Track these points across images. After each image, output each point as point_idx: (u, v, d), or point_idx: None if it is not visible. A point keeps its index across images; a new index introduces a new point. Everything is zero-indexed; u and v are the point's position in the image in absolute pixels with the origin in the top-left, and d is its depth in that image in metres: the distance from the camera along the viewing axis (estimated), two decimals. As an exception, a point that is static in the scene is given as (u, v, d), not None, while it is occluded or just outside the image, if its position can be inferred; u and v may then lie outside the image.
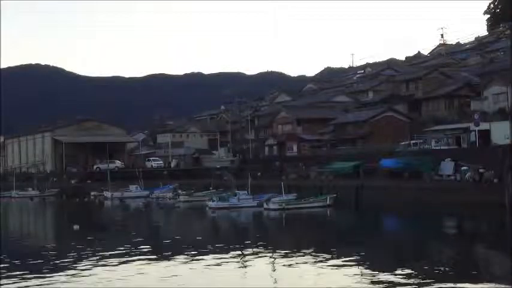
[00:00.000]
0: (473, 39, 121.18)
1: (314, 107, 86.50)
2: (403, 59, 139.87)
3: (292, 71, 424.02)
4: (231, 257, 24.75)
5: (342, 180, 51.36)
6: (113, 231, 39.68)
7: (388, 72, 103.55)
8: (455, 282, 18.32)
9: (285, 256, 24.51)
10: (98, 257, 24.88)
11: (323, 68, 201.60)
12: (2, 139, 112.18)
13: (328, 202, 46.61)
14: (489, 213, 36.22)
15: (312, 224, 40.41)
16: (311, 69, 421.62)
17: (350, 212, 45.91)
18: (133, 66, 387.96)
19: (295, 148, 78.36)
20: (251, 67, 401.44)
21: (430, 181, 45.25)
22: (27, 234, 41.74)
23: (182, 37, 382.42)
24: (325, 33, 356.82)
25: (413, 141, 58.19)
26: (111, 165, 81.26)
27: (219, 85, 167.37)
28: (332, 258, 23.53)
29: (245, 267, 22.63)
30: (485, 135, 50.29)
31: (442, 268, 20.96)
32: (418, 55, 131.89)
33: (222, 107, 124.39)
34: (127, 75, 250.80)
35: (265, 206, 46.62)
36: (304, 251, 25.48)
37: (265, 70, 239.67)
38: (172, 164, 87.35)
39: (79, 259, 24.57)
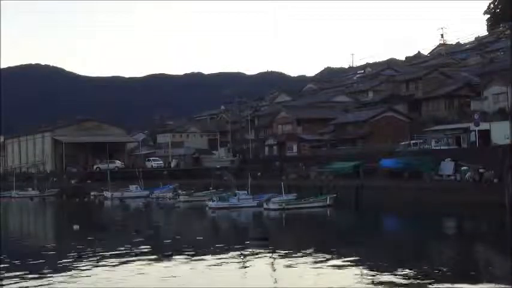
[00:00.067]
0: (473, 39, 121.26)
1: (314, 107, 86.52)
2: (403, 59, 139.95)
3: (292, 71, 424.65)
4: (231, 257, 24.74)
5: (342, 180, 51.36)
6: (113, 231, 39.67)
7: (388, 72, 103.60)
8: (455, 282, 18.33)
9: (285, 256, 24.51)
10: (98, 257, 24.87)
11: (323, 68, 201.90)
12: (2, 139, 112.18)
13: (328, 202, 46.61)
14: (489, 213, 36.23)
15: (312, 224, 40.42)
16: (311, 69, 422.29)
17: (350, 212, 45.91)
18: (133, 66, 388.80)
19: (295, 148, 78.36)
20: (251, 67, 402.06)
21: (430, 181, 45.27)
22: (27, 234, 41.74)
23: (182, 37, 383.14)
24: (325, 33, 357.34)
25: (413, 141, 58.21)
26: (111, 165, 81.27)
27: (219, 85, 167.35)
28: (332, 258, 23.52)
29: (245, 267, 22.62)
30: (485, 135, 50.30)
31: (442, 268, 20.95)
32: (418, 55, 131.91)
33: (222, 107, 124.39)
34: (127, 75, 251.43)
35: (265, 206, 46.62)
36: (304, 251, 25.46)
37: (265, 70, 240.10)
38: (172, 164, 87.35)
39: (79, 259, 24.55)
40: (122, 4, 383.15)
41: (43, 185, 77.74)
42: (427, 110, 70.98)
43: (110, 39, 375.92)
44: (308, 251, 25.36)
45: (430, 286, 17.83)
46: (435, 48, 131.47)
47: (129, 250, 26.86)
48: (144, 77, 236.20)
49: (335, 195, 47.42)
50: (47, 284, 19.54)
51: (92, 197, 70.28)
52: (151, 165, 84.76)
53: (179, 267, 22.72)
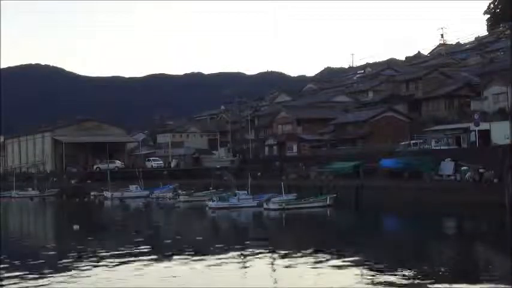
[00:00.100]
0: (473, 39, 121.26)
1: (314, 107, 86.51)
2: (403, 59, 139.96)
3: (292, 71, 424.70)
4: (231, 257, 24.74)
5: (342, 180, 51.35)
6: (112, 231, 39.67)
7: (388, 72, 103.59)
8: (455, 282, 18.34)
9: (285, 256, 24.51)
10: (98, 257, 24.86)
11: (323, 68, 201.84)
12: (2, 139, 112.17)
13: (328, 202, 46.60)
14: (489, 213, 36.23)
15: (312, 224, 40.41)
16: (311, 69, 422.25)
17: (350, 212, 45.92)
18: (133, 66, 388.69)
19: (295, 148, 78.35)
20: (251, 67, 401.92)
21: (430, 181, 45.27)
22: (27, 234, 41.74)
23: (182, 37, 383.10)
24: (325, 33, 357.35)
25: (413, 141, 58.20)
26: (111, 165, 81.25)
27: (219, 85, 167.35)
28: (332, 258, 23.52)
29: (245, 267, 22.63)
30: (485, 135, 50.30)
31: (442, 268, 20.97)
32: (418, 55, 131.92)
33: (222, 107, 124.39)
34: (127, 75, 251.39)
35: (265, 206, 46.61)
36: (304, 251, 25.46)
37: (265, 70, 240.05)
38: (172, 164, 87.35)
39: (79, 259, 24.57)
40: (122, 4, 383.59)
41: (43, 185, 77.73)
42: (427, 110, 70.99)
43: (110, 39, 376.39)
44: (308, 251, 25.36)
45: (430, 286, 17.82)
46: (435, 48, 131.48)
47: (129, 250, 26.87)
48: (144, 77, 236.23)
49: (335, 195, 47.41)
50: (47, 284, 19.54)
51: (92, 197, 70.27)
52: (151, 165, 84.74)
53: (179, 267, 22.72)
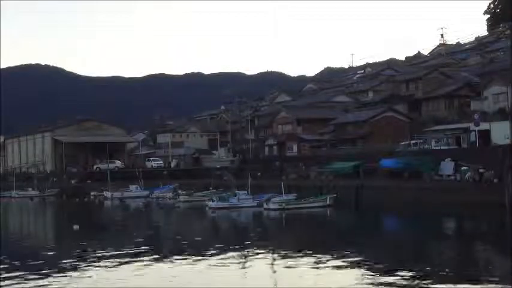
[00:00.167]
0: (473, 39, 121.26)
1: (314, 107, 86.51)
2: (403, 59, 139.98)
3: (292, 71, 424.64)
4: (231, 257, 24.73)
5: (342, 180, 51.36)
6: (113, 231, 39.67)
7: (388, 72, 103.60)
8: (455, 282, 18.34)
9: (285, 256, 24.50)
10: (98, 257, 24.85)
11: (323, 68, 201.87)
12: (2, 139, 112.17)
13: (328, 202, 46.60)
14: (489, 213, 36.24)
15: (312, 224, 40.41)
16: (311, 69, 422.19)
17: (350, 212, 45.92)
18: (133, 66, 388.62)
19: (295, 148, 78.35)
20: (251, 67, 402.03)
21: (430, 181, 45.27)
22: (27, 234, 41.73)
23: (182, 37, 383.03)
24: (325, 33, 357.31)
25: (413, 141, 58.21)
26: (111, 165, 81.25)
27: (219, 85, 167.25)
28: (332, 258, 23.51)
29: (245, 267, 22.62)
30: (485, 135, 50.31)
31: (442, 268, 20.97)
32: (418, 55, 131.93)
33: (222, 107, 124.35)
34: (127, 75, 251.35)
35: (265, 206, 46.62)
36: (304, 251, 25.46)
37: (265, 70, 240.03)
38: (172, 164, 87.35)
39: (79, 259, 24.56)
40: (122, 4, 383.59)
41: (43, 185, 77.73)
42: (427, 110, 70.99)
43: (110, 39, 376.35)
44: (308, 251, 25.35)
45: (430, 286, 17.84)
46: (435, 48, 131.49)
47: (129, 250, 26.88)
48: (144, 77, 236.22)
49: (335, 195, 47.41)
50: (47, 284, 19.54)
51: (92, 197, 70.28)
52: (151, 165, 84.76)
53: (179, 267, 22.74)
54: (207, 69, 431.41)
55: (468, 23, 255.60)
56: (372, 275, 19.90)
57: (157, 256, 25.22)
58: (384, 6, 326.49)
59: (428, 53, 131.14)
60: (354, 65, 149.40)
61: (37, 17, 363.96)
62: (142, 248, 27.69)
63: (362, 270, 21.05)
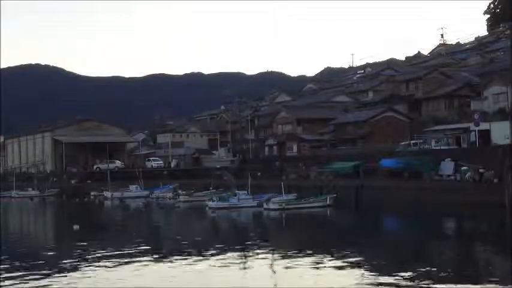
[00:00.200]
0: (473, 39, 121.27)
1: (314, 107, 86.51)
2: (403, 59, 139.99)
3: (292, 71, 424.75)
4: (231, 257, 24.73)
5: (342, 180, 51.35)
6: (113, 231, 39.66)
7: (388, 72, 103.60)
8: (455, 282, 18.34)
9: (285, 256, 24.48)
10: (98, 257, 24.85)
11: (323, 68, 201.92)
12: (2, 139, 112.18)
13: (328, 202, 46.59)
14: (489, 213, 36.24)
15: (312, 224, 40.41)
16: (311, 69, 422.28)
17: (350, 212, 45.91)
18: (133, 66, 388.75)
19: (295, 148, 78.35)
20: (251, 67, 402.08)
21: (430, 181, 45.27)
22: (27, 234, 41.74)
23: (182, 37, 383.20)
24: (325, 33, 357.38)
25: (413, 141, 58.22)
26: (111, 165, 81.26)
27: (219, 85, 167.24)
28: (332, 258, 23.53)
29: (245, 267, 22.62)
30: (485, 135, 50.31)
31: (442, 268, 20.95)
32: (418, 55, 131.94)
33: (222, 107, 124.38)
34: (127, 75, 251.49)
35: (265, 206, 46.61)
36: (304, 251, 25.45)
37: (265, 70, 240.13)
38: (172, 164, 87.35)
39: (79, 259, 24.56)
40: (122, 4, 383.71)
41: (43, 185, 77.73)
42: (427, 110, 71.00)
43: (110, 39, 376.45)
44: (308, 251, 25.34)
45: (430, 286, 17.83)
46: (435, 48, 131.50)
47: (129, 250, 26.87)
48: (144, 77, 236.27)
49: (335, 195, 47.40)
50: (47, 284, 19.53)
51: (92, 197, 70.28)
52: (151, 165, 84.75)
53: (179, 267, 22.73)
54: (207, 69, 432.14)
55: (468, 23, 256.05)
56: (372, 275, 19.90)
57: (157, 256, 25.23)
58: (384, 6, 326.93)
59: (428, 53, 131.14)
60: (354, 65, 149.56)
61: (37, 17, 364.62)
62: (143, 248, 27.69)
63: (362, 270, 21.05)
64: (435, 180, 45.50)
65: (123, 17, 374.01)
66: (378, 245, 28.52)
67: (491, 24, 60.48)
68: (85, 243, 29.43)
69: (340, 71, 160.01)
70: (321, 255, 23.95)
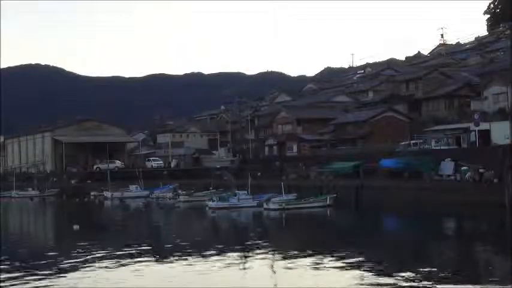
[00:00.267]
0: (473, 39, 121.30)
1: (314, 107, 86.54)
2: (403, 59, 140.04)
3: (292, 71, 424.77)
4: (231, 257, 24.74)
5: (342, 180, 51.36)
6: (113, 231, 39.66)
7: (388, 72, 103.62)
8: (455, 282, 18.35)
9: (285, 256, 24.48)
10: (98, 257, 24.84)
11: (323, 68, 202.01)
12: (2, 139, 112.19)
13: (328, 202, 46.59)
14: (489, 213, 36.23)
15: (312, 224, 40.40)
16: (311, 69, 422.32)
17: (350, 212, 45.91)
18: (133, 66, 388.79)
19: (295, 148, 78.36)
20: (251, 67, 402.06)
21: (430, 181, 45.27)
22: (27, 234, 41.74)
23: (182, 37, 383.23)
24: (325, 33, 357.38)
25: (413, 141, 58.22)
26: (111, 165, 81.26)
27: (219, 85, 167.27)
28: (332, 258, 23.50)
29: (245, 267, 22.62)
30: (485, 135, 50.31)
31: (442, 268, 20.95)
32: (418, 55, 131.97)
33: (222, 107, 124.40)
34: (127, 75, 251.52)
35: (265, 206, 46.61)
36: (304, 251, 25.46)
37: (265, 70, 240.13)
38: (172, 164, 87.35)
39: (79, 259, 24.54)
40: (122, 4, 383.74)
41: (43, 185, 77.73)
42: (427, 110, 71.00)
43: (110, 39, 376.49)
44: (308, 251, 25.35)
45: (430, 286, 17.83)
46: (435, 48, 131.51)
47: (129, 250, 26.85)
48: (144, 77, 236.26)
49: (335, 195, 47.40)
50: (47, 285, 19.52)
51: (92, 197, 70.29)
52: (151, 165, 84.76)
53: (179, 267, 22.73)
54: (207, 69, 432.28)
55: (468, 23, 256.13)
56: (372, 275, 19.89)
57: (157, 256, 25.23)
58: (384, 6, 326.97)
59: (428, 53, 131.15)
60: (354, 65, 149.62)
61: (37, 17, 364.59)
62: (143, 248, 27.69)
63: (362, 271, 21.02)
64: (435, 180, 45.50)
65: (123, 17, 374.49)
66: (378, 245, 28.51)
67: (491, 24, 60.44)
68: (85, 243, 29.41)
69: (340, 71, 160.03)
70: (321, 255, 23.95)
